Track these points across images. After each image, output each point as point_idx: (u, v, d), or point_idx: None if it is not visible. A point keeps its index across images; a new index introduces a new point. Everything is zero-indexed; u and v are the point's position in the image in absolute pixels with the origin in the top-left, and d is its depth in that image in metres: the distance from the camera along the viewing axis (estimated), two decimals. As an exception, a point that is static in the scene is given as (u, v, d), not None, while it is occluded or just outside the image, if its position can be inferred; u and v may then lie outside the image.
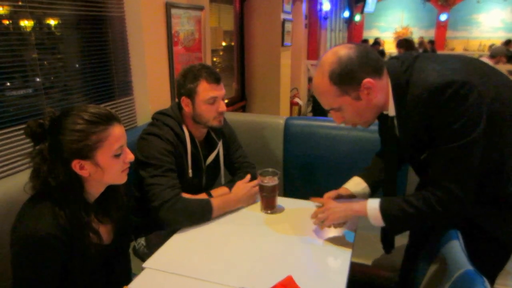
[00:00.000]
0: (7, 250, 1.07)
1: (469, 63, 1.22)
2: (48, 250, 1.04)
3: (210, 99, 1.63)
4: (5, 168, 1.57)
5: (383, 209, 1.26)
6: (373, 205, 1.28)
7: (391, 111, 1.26)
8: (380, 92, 1.23)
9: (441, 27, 13.72)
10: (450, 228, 1.22)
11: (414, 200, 1.21)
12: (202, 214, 1.53)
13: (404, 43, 5.62)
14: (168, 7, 2.39)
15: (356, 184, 1.56)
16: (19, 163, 1.62)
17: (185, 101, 1.66)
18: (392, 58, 1.32)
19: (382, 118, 1.35)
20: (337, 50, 1.22)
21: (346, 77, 1.19)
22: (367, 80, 1.19)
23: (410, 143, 1.27)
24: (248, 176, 1.75)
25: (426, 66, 1.18)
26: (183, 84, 1.65)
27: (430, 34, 13.60)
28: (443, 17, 13.53)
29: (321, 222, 1.39)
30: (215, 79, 1.64)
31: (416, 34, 13.35)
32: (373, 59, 1.21)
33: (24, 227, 1.04)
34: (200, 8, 2.78)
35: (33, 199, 1.10)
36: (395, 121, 1.28)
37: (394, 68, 1.23)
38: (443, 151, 1.15)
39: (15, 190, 1.28)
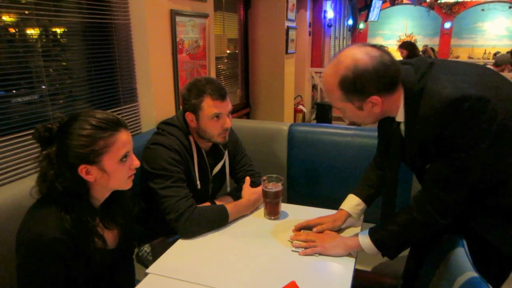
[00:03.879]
0: (13, 253, 1.08)
1: (484, 75, 1.19)
2: (53, 254, 1.04)
3: (215, 116, 1.60)
4: (11, 173, 1.59)
5: (373, 237, 1.30)
6: (364, 237, 1.32)
7: (400, 117, 1.24)
8: (386, 106, 1.20)
9: (446, 35, 13.71)
10: (454, 234, 1.21)
11: (397, 218, 1.25)
12: (219, 221, 1.54)
13: (408, 45, 5.59)
14: (173, 14, 2.41)
15: (355, 205, 1.54)
16: (25, 168, 1.63)
17: (189, 116, 1.63)
18: (406, 63, 1.25)
19: (386, 121, 1.33)
20: (357, 56, 1.14)
21: (355, 88, 1.15)
22: (374, 98, 1.16)
23: (416, 152, 1.25)
24: (248, 179, 1.76)
25: (441, 76, 1.15)
26: (187, 99, 1.61)
27: (434, 42, 13.59)
28: (448, 25, 13.53)
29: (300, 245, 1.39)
30: (220, 95, 1.59)
31: (420, 42, 13.35)
32: (389, 75, 1.15)
33: (30, 231, 1.04)
34: (205, 16, 2.81)
35: (39, 203, 1.10)
36: (402, 126, 1.27)
37: (409, 75, 1.19)
38: (444, 160, 1.15)
39: (21, 195, 1.29)
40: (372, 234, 1.31)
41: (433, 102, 1.12)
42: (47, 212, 1.07)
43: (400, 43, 6.03)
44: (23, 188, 1.29)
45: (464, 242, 1.16)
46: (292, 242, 1.42)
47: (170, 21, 2.41)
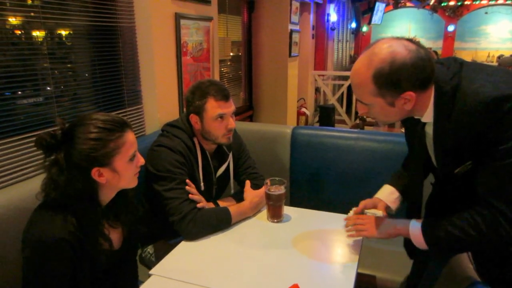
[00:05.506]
0: (19, 254, 1.09)
1: None
2: (58, 255, 1.05)
3: (218, 116, 1.61)
4: (16, 174, 1.60)
5: (425, 232, 1.21)
6: (416, 227, 1.23)
7: (427, 118, 1.18)
8: (417, 104, 1.14)
9: (449, 38, 13.68)
10: None
11: (457, 220, 1.14)
12: (222, 224, 1.55)
13: None
14: (178, 17, 2.43)
15: (389, 193, 1.49)
16: (31, 169, 1.64)
17: (194, 118, 1.65)
18: (436, 62, 1.16)
19: (410, 122, 1.29)
20: (395, 49, 1.08)
21: (390, 83, 1.09)
22: (409, 93, 1.10)
23: (447, 154, 1.19)
24: (248, 182, 1.77)
25: (476, 76, 1.09)
26: (191, 101, 1.63)
27: (438, 45, 13.57)
28: (451, 28, 13.51)
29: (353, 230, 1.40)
30: (224, 96, 1.61)
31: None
32: (425, 72, 1.09)
33: (36, 231, 1.05)
34: (209, 19, 2.82)
35: (44, 205, 1.11)
36: (427, 129, 1.23)
37: (440, 73, 1.13)
38: (495, 168, 1.07)
39: (26, 196, 1.30)
40: (425, 228, 1.22)
41: (470, 102, 1.05)
42: (52, 213, 1.07)
43: None
44: (28, 189, 1.31)
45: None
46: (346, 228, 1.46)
47: (174, 24, 2.43)
